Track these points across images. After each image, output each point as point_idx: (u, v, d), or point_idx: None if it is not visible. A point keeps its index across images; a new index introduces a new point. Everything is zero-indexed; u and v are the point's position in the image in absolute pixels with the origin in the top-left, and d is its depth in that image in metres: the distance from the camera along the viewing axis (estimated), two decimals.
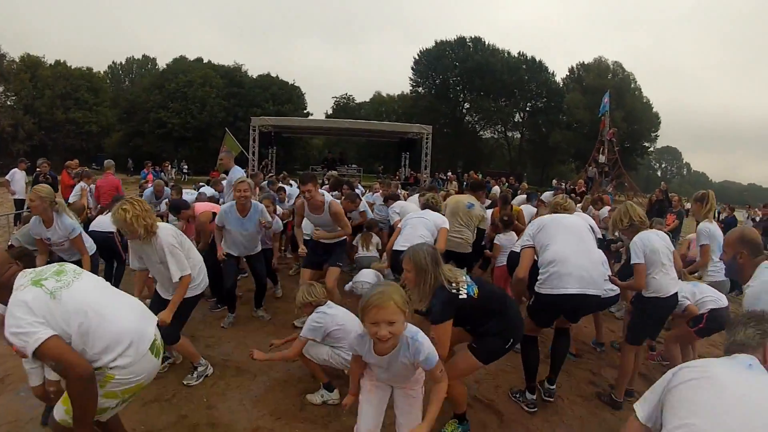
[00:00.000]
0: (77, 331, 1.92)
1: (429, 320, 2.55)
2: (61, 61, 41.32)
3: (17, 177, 10.45)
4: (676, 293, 3.43)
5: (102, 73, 47.99)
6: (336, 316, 3.31)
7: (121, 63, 57.78)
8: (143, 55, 58.46)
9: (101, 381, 1.97)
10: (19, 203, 10.31)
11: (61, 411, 2.04)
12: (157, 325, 2.32)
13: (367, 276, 5.22)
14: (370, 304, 1.95)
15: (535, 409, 3.40)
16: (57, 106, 38.16)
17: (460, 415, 2.97)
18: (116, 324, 2.03)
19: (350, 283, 5.37)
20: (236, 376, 3.67)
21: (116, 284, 4.86)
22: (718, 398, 1.38)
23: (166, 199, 6.92)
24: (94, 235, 4.68)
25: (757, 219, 10.32)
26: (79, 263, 3.38)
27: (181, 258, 3.18)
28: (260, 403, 3.30)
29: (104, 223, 5.07)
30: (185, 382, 3.45)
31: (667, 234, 3.71)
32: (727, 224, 9.59)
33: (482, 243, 6.15)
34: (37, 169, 10.02)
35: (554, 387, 3.51)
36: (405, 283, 2.53)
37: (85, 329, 1.93)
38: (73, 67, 41.44)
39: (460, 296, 2.49)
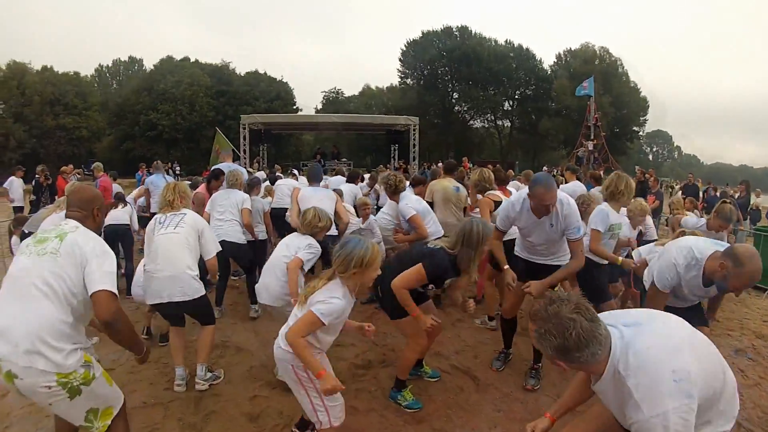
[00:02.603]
0: None
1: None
2: (48, 67, 41.12)
3: (15, 185, 10.63)
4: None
5: (89, 77, 47.84)
6: None
7: (107, 66, 57.68)
8: (129, 57, 58.46)
9: None
10: (18, 210, 10.39)
11: None
12: None
13: None
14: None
15: None
16: (46, 112, 37.93)
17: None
18: None
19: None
20: (236, 354, 4.03)
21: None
22: None
23: None
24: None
25: (736, 196, 10.71)
26: None
27: None
28: (255, 377, 3.64)
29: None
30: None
31: None
32: (741, 206, 9.79)
33: None
34: (36, 176, 10.22)
35: None
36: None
37: None
38: (60, 72, 41.27)
39: None
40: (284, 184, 6.99)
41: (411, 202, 4.71)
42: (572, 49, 46.72)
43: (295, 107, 45.26)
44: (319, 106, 49.93)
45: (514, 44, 47.00)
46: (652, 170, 13.54)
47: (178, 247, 3.20)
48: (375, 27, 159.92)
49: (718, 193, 14.08)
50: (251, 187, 5.85)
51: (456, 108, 48.33)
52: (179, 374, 3.39)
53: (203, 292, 3.31)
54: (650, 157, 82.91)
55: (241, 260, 5.10)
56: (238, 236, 4.87)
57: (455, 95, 47.89)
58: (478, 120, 49.72)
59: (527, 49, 47.03)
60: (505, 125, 49.90)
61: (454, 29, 46.70)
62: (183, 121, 39.48)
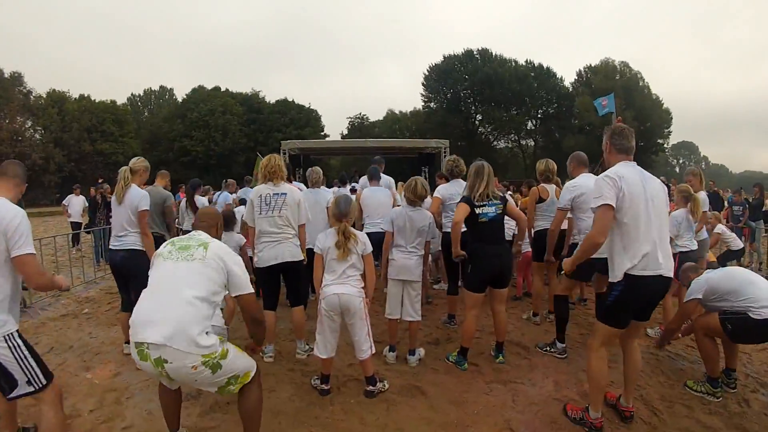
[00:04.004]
0: None
1: None
2: (86, 95, 43.42)
3: (73, 202, 11.75)
4: None
5: (124, 105, 49.98)
6: None
7: (139, 95, 60.27)
8: (160, 86, 61.05)
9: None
10: (75, 225, 11.52)
11: None
12: None
13: None
14: None
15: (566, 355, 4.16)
16: (84, 138, 39.99)
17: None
18: None
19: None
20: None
21: None
22: None
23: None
24: None
25: (751, 200, 10.81)
26: None
27: None
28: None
29: None
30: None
31: None
32: (756, 207, 10.63)
33: None
34: (94, 192, 10.83)
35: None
36: None
37: None
38: (97, 101, 43.46)
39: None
40: None
41: None
42: (592, 65, 47.31)
43: (323, 133, 46.47)
44: (345, 132, 51.00)
45: (534, 64, 47.67)
46: (674, 180, 14.19)
47: None
48: (395, 56, 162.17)
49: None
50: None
51: (480, 129, 48.89)
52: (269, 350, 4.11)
53: None
54: (677, 169, 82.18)
55: None
56: None
57: (478, 117, 48.47)
58: (502, 140, 50.19)
59: (547, 68, 47.68)
60: (529, 145, 50.24)
61: (474, 52, 47.47)
62: (216, 147, 40.89)
